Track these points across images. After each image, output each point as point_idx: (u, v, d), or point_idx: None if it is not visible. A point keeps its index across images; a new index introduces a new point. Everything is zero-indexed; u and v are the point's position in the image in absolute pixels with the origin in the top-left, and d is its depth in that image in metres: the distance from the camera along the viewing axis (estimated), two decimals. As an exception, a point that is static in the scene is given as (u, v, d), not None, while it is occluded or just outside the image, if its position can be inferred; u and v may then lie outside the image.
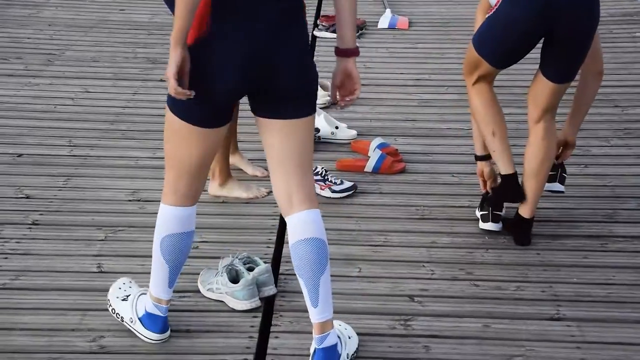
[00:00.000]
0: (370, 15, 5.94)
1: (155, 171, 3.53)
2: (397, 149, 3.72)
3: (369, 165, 3.57)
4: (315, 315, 2.26)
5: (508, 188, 2.99)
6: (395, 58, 5.16)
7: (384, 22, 5.81)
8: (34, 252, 2.88)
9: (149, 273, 2.71)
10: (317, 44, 5.42)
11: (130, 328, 2.42)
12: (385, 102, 4.43)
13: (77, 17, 5.86)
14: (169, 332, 2.42)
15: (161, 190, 3.14)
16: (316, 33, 5.59)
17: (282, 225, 3.12)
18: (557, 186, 3.12)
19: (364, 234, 3.07)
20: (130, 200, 3.27)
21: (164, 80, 4.55)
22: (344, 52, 2.21)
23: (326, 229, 3.03)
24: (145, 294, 2.41)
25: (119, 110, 4.22)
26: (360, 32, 5.58)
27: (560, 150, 3.07)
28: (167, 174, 2.28)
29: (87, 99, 4.34)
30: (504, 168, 2.98)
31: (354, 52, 2.21)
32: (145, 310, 2.38)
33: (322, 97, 4.33)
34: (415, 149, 3.81)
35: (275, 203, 3.21)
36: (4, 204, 3.21)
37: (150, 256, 2.76)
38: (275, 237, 3.03)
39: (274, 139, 2.20)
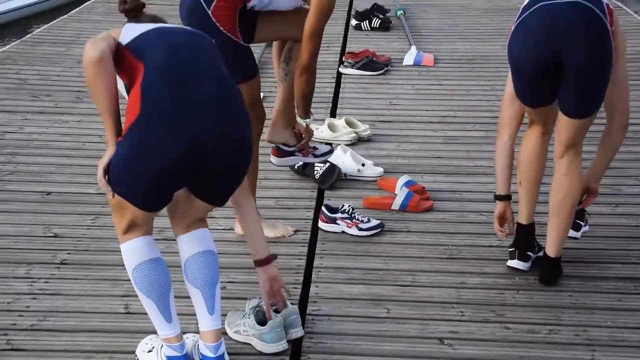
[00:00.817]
0: (396, 52, 5.97)
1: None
2: (424, 187, 3.70)
3: (396, 203, 3.55)
4: (211, 322, 2.38)
5: (519, 237, 2.99)
6: (421, 95, 5.17)
7: (409, 59, 5.84)
8: (63, 292, 2.88)
9: (177, 314, 2.70)
10: (342, 81, 5.44)
11: None
12: (411, 139, 4.42)
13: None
14: None
15: None
16: (342, 70, 5.61)
17: (309, 265, 3.11)
18: (571, 232, 3.09)
19: (392, 273, 3.04)
20: (157, 240, 3.25)
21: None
22: (263, 262, 2.50)
23: (353, 268, 3.05)
24: None
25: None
26: (385, 69, 5.60)
27: (583, 197, 3.04)
28: (115, 218, 2.36)
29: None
30: (520, 216, 2.98)
31: (271, 259, 2.51)
32: (165, 356, 2.39)
33: (348, 134, 4.34)
34: (442, 186, 3.79)
35: (302, 243, 3.25)
36: (33, 243, 3.22)
37: (178, 297, 2.76)
38: (302, 278, 3.01)
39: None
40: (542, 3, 2.72)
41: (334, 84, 5.32)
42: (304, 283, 2.98)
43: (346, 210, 3.35)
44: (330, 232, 3.32)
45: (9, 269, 3.03)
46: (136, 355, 2.50)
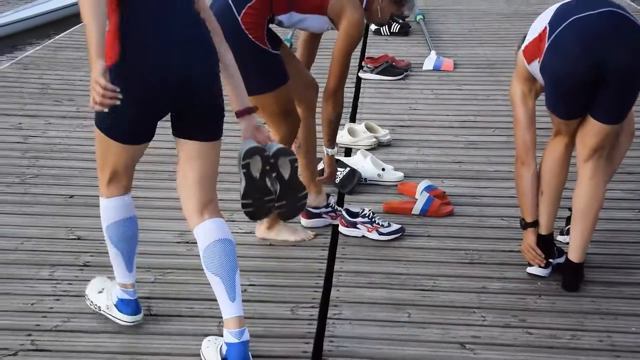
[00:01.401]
0: (415, 57, 5.97)
1: (203, 213, 3.55)
2: (444, 192, 3.69)
3: (417, 208, 3.54)
4: (234, 309, 2.41)
5: (539, 246, 2.95)
6: (441, 100, 5.16)
7: (428, 64, 5.83)
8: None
9: (199, 316, 2.72)
10: (362, 85, 5.45)
11: (107, 315, 2.68)
12: (431, 143, 4.41)
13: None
14: (141, 314, 2.67)
15: None
16: (361, 75, 5.62)
17: (330, 269, 3.11)
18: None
19: (413, 277, 3.03)
20: (178, 242, 3.29)
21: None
22: (243, 112, 2.49)
23: (374, 272, 3.05)
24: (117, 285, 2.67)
25: (165, 151, 4.26)
26: (405, 73, 5.60)
27: None
28: (99, 172, 2.55)
29: (136, 141, 4.40)
30: (540, 226, 2.95)
31: (252, 110, 2.51)
32: (117, 297, 2.66)
33: (368, 138, 4.34)
34: (462, 191, 3.78)
35: (323, 246, 3.25)
36: (56, 245, 3.25)
37: (199, 299, 2.78)
38: (322, 281, 3.01)
39: (193, 159, 2.45)
40: (574, 17, 2.70)
41: (353, 89, 5.33)
42: (324, 287, 2.98)
43: (367, 215, 3.35)
44: (350, 236, 3.33)
45: (32, 270, 3.06)
46: (86, 294, 2.75)
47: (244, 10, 2.98)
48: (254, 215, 2.52)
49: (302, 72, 3.33)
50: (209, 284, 2.66)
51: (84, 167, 4.04)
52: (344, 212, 3.38)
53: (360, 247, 3.26)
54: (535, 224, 2.92)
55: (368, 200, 3.68)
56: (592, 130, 2.79)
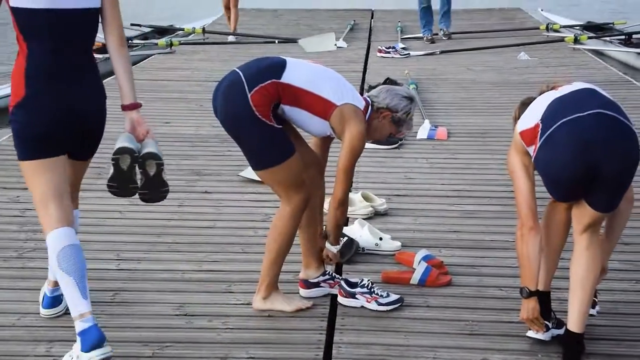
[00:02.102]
0: (409, 127, 6.05)
1: (202, 284, 3.54)
2: (442, 261, 3.70)
3: (415, 278, 3.54)
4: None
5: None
6: (436, 169, 5.21)
7: (422, 132, 5.91)
8: (82, 369, 2.86)
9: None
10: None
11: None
12: (427, 212, 4.44)
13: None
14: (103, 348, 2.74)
15: (208, 303, 3.21)
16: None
17: (330, 340, 3.09)
18: (592, 310, 3.09)
19: (413, 349, 3.01)
20: (177, 315, 3.27)
21: (209, 192, 4.70)
22: (129, 107, 2.94)
23: (374, 344, 3.03)
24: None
25: (165, 222, 4.29)
26: (400, 142, 5.67)
27: None
28: (38, 213, 2.85)
29: (134, 212, 4.42)
30: (538, 283, 2.94)
31: (136, 105, 2.95)
32: (78, 331, 2.75)
33: (365, 208, 4.37)
34: (460, 261, 3.78)
35: (322, 317, 3.24)
36: (54, 320, 3.22)
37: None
38: (322, 353, 2.98)
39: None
40: (565, 119, 2.76)
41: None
42: (324, 359, 2.95)
43: (365, 285, 3.34)
44: (349, 306, 3.31)
45: (29, 347, 3.03)
46: None
47: (255, 89, 3.06)
48: (118, 194, 2.99)
49: (306, 151, 3.33)
50: (209, 357, 2.64)
51: (81, 239, 3.97)
52: (342, 283, 3.37)
53: (360, 318, 3.24)
54: (537, 293, 2.90)
55: (366, 269, 3.68)
56: (586, 213, 2.85)
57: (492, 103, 6.92)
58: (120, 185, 2.89)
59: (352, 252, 3.78)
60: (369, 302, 3.31)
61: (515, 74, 8.12)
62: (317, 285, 3.40)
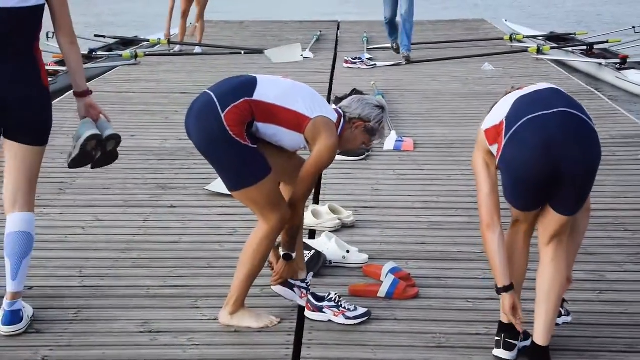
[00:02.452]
0: (376, 138, 6.06)
1: (167, 300, 3.49)
2: (409, 274, 3.69)
3: (382, 291, 3.53)
4: (13, 287, 3.16)
5: (505, 327, 2.96)
6: (403, 180, 5.22)
7: (389, 144, 5.92)
8: (44, 390, 2.80)
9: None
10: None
11: None
12: (394, 224, 4.44)
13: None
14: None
15: (173, 319, 3.19)
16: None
17: (297, 355, 3.06)
18: (565, 319, 3.13)
19: (381, 363, 3.00)
20: (141, 332, 3.22)
21: (174, 206, 4.65)
22: (81, 94, 3.28)
23: (342, 358, 3.01)
24: None
25: (129, 237, 4.23)
26: (366, 154, 5.67)
27: None
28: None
29: (98, 227, 4.36)
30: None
31: (88, 92, 3.29)
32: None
33: (332, 220, 4.36)
34: (427, 273, 3.79)
35: (289, 331, 3.21)
36: (14, 340, 3.15)
37: None
38: (289, 369, 2.96)
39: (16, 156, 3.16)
40: (529, 116, 2.77)
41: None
42: (291, 374, 2.93)
43: (333, 299, 3.33)
44: (317, 320, 3.29)
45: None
46: None
47: (228, 109, 3.05)
48: (73, 166, 3.33)
49: (283, 165, 3.31)
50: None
51: (43, 256, 3.90)
52: (310, 297, 3.35)
53: (327, 332, 3.22)
54: (510, 287, 2.86)
55: (333, 283, 3.66)
56: (552, 220, 2.86)
57: (457, 114, 6.96)
58: (80, 162, 3.31)
59: (319, 265, 3.76)
60: (337, 316, 3.29)
61: (480, 84, 8.19)
62: (291, 287, 3.37)
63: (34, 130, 3.13)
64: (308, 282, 3.43)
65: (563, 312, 3.16)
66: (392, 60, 9.50)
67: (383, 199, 4.87)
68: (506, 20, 12.81)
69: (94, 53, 10.15)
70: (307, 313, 3.33)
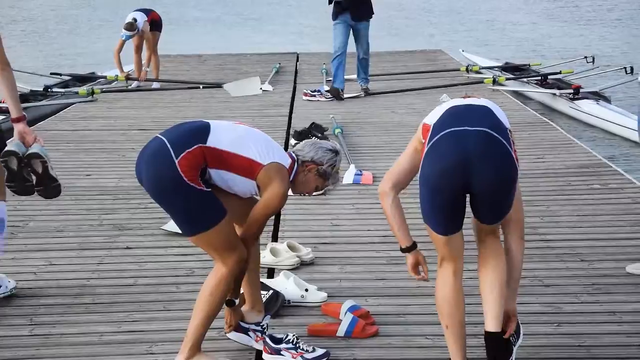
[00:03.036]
0: (335, 172, 6.05)
1: (121, 347, 3.41)
2: (368, 311, 3.66)
3: (341, 330, 3.50)
4: None
5: None
6: (362, 214, 5.21)
7: (348, 177, 5.91)
8: None
9: None
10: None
11: None
12: (354, 260, 4.41)
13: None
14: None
15: None
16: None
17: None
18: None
19: (340, 406, 2.95)
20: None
21: (130, 248, 4.57)
22: (16, 120, 3.57)
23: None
24: None
25: (83, 282, 4.13)
26: (325, 189, 5.64)
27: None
28: None
29: (50, 272, 4.26)
30: (452, 357, 2.99)
31: (23, 118, 3.58)
32: None
33: (290, 258, 4.31)
34: (387, 309, 3.76)
35: (246, 377, 3.15)
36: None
37: None
38: (247, 415, 2.89)
39: None
40: (452, 129, 2.85)
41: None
42: (249, 421, 2.86)
43: (290, 340, 3.28)
44: (275, 364, 3.23)
45: None
46: None
47: (182, 155, 3.04)
48: (19, 192, 3.62)
49: (238, 206, 3.28)
50: None
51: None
52: (267, 339, 3.30)
53: (286, 375, 3.17)
54: (412, 247, 3.07)
55: (292, 323, 3.61)
56: (481, 225, 2.97)
57: (416, 146, 6.99)
58: (18, 184, 3.55)
59: (277, 306, 3.71)
60: (295, 357, 3.24)
61: (438, 115, 8.25)
62: (246, 331, 3.32)
63: None
64: (264, 325, 3.38)
65: (516, 337, 3.13)
66: (350, 92, 9.56)
67: (342, 234, 4.85)
68: (463, 51, 13.02)
69: (49, 90, 10.04)
70: (265, 356, 3.28)
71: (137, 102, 9.37)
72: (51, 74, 11.14)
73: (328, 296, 3.86)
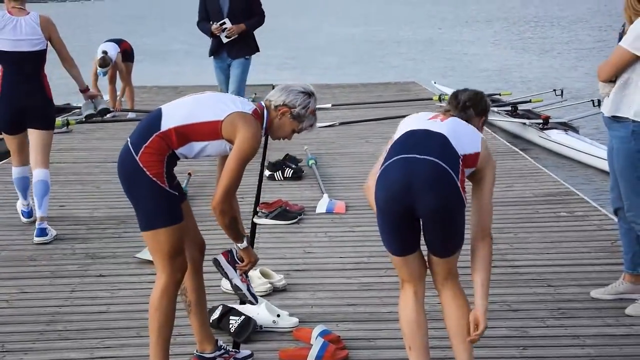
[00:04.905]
0: (308, 201, 6.12)
1: (93, 374, 3.42)
2: (339, 336, 3.71)
3: (312, 355, 3.54)
4: (40, 213, 5.32)
5: None
6: (335, 242, 5.27)
7: (322, 207, 5.99)
8: None
9: None
10: (257, 231, 5.51)
11: None
12: (326, 286, 4.46)
13: (14, 216, 5.87)
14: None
15: None
16: (256, 220, 5.70)
17: None
18: None
19: None
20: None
21: (103, 276, 4.59)
22: (84, 90, 5.75)
23: None
24: None
25: (55, 309, 4.14)
26: (299, 217, 5.72)
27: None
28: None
29: (22, 300, 4.26)
30: None
31: (87, 88, 5.77)
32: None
33: (263, 285, 4.36)
34: (357, 334, 3.81)
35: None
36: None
37: None
38: None
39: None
40: (402, 155, 2.96)
41: (248, 235, 5.36)
42: None
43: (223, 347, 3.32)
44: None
45: None
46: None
47: (141, 151, 3.10)
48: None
49: (194, 230, 3.37)
50: None
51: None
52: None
53: (257, 400, 3.20)
54: None
55: (264, 348, 3.65)
56: (436, 263, 3.03)
57: (388, 175, 7.09)
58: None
59: (249, 330, 3.75)
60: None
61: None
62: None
63: (40, 120, 5.39)
64: (223, 346, 3.41)
65: None
66: (324, 121, 9.65)
67: (315, 261, 4.90)
68: (435, 82, 13.24)
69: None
70: None
71: (112, 132, 9.38)
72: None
73: (299, 321, 3.90)
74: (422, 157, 2.92)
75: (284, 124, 3.30)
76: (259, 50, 7.96)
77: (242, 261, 3.38)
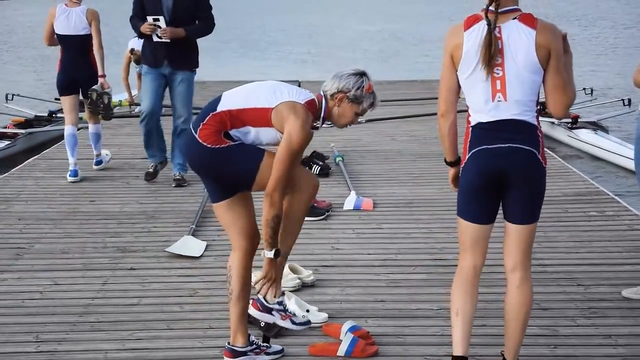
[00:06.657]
0: (336, 197, 6.13)
1: (125, 365, 3.47)
2: (368, 332, 3.72)
3: (342, 350, 3.55)
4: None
5: None
6: (362, 239, 5.28)
7: (349, 204, 6.00)
8: None
9: None
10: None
11: None
12: (354, 283, 4.47)
13: (47, 210, 5.95)
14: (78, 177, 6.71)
15: None
16: (283, 216, 5.72)
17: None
18: None
19: None
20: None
21: (134, 269, 4.64)
22: (101, 76, 6.84)
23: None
24: None
25: (88, 301, 4.20)
26: (326, 214, 5.74)
27: None
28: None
29: (55, 292, 4.32)
30: (455, 347, 3.09)
31: (104, 75, 6.79)
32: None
33: (292, 280, 4.38)
34: (386, 330, 3.82)
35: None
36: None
37: None
38: None
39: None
40: (484, 146, 3.03)
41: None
42: None
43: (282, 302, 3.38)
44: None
45: None
46: None
47: (199, 128, 3.23)
48: (93, 112, 6.97)
49: (250, 219, 3.38)
50: None
51: (0, 322, 3.88)
52: (259, 297, 3.34)
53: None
54: (455, 163, 3.23)
55: (293, 342, 3.67)
56: (513, 237, 3.07)
57: (415, 174, 7.09)
58: (93, 108, 6.83)
59: (278, 327, 3.77)
60: (284, 319, 3.35)
61: (436, 144, 8.33)
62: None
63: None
64: (255, 341, 3.45)
65: None
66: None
67: (343, 257, 4.91)
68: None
69: (54, 115, 10.14)
70: (254, 312, 3.37)
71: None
72: (55, 99, 11.24)
73: (329, 317, 3.92)
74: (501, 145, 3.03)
75: (344, 110, 3.32)
76: (197, 66, 6.56)
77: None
